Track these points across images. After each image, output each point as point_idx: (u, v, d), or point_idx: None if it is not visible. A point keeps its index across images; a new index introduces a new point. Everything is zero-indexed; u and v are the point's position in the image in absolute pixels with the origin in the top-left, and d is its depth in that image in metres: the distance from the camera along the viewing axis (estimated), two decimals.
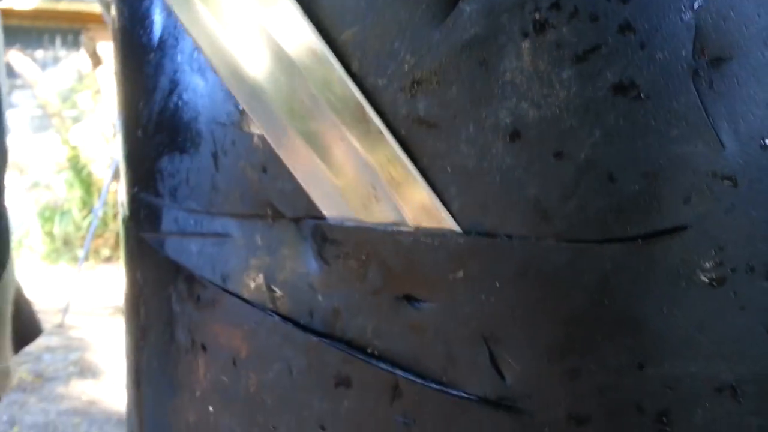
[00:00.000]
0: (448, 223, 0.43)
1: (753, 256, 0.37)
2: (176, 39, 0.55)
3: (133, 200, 0.62)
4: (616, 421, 0.42)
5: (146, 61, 0.59)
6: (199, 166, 0.54)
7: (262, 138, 0.49)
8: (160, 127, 0.59)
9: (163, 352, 0.59)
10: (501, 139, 0.42)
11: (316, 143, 0.47)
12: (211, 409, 0.53)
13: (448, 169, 0.43)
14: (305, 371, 0.48)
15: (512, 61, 0.40)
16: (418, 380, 0.45)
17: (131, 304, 0.65)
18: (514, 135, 0.41)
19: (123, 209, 0.66)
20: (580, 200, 0.40)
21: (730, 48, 0.35)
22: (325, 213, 0.47)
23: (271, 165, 0.49)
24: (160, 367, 0.60)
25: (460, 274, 0.44)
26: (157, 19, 0.57)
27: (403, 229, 0.45)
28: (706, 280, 0.38)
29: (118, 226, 5.74)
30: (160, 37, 0.57)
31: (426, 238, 0.44)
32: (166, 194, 0.57)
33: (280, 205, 0.48)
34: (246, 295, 0.51)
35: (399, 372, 0.46)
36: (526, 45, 0.40)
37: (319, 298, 0.49)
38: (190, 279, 0.56)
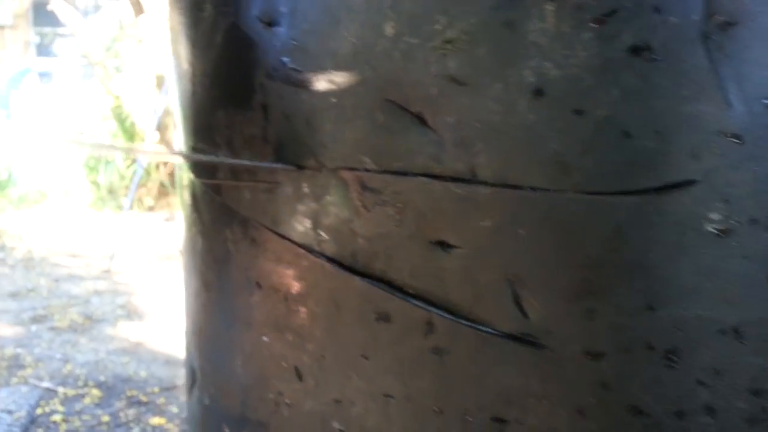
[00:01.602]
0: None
1: (757, 209, 0.42)
2: None
3: (192, 151, 0.70)
4: (628, 358, 0.49)
5: (201, 18, 0.65)
6: (252, 118, 0.60)
7: (306, 92, 0.55)
8: (215, 81, 0.66)
9: (220, 288, 0.68)
10: (525, 96, 0.46)
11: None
12: (265, 339, 0.62)
13: (477, 124, 0.49)
14: (349, 307, 0.56)
15: (536, 22, 0.45)
16: (450, 317, 0.52)
17: (190, 245, 0.74)
18: (538, 93, 0.46)
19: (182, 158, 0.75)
20: (597, 155, 0.45)
21: (739, 13, 0.39)
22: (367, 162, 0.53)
23: (314, 118, 0.55)
24: (218, 301, 0.69)
25: (487, 222, 0.50)
26: None
27: (436, 179, 0.51)
28: (713, 231, 0.43)
29: (160, 176, 6.00)
30: None
31: (456, 189, 0.50)
32: (223, 144, 0.65)
33: (321, 155, 0.55)
34: (295, 238, 0.59)
35: (433, 309, 0.53)
36: (549, 8, 0.44)
37: (360, 241, 0.56)
38: (245, 222, 0.64)
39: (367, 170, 0.56)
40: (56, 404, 2.64)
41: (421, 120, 0.53)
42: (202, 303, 0.76)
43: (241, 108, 0.64)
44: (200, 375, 0.77)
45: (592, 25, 0.44)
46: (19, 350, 3.16)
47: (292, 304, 0.61)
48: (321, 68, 0.56)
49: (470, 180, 0.52)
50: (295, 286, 0.61)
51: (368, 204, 0.56)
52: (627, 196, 0.45)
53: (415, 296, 0.55)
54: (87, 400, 2.69)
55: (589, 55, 0.44)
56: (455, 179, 0.52)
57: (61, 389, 2.77)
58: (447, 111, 0.51)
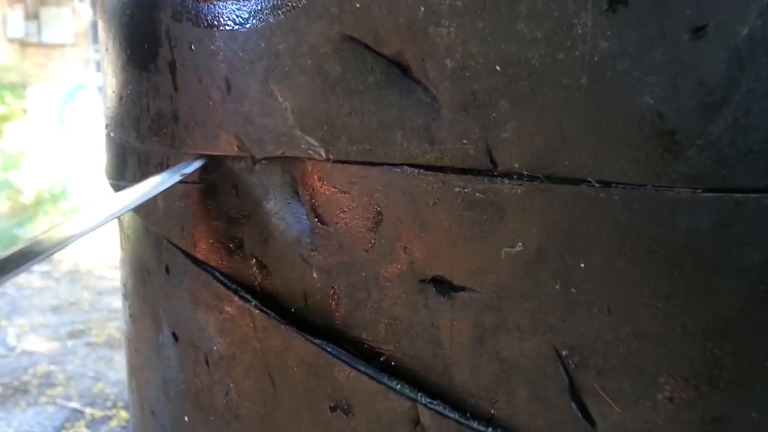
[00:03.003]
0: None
1: None
2: None
3: (106, 143, 0.49)
4: None
5: None
6: (157, 83, 0.39)
7: (223, 36, 0.33)
8: (121, 43, 0.44)
9: (142, 336, 0.47)
10: (598, 9, 0.23)
11: None
12: (186, 418, 0.40)
13: (498, 69, 0.26)
14: (290, 384, 0.33)
15: None
16: (451, 414, 0.29)
17: (121, 275, 0.53)
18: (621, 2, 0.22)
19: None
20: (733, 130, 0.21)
21: None
22: (320, 148, 0.31)
23: (235, 78, 0.33)
24: (140, 354, 0.48)
25: (517, 245, 0.27)
26: None
27: (434, 168, 0.28)
28: None
29: None
30: None
31: (462, 187, 0.27)
32: (131, 129, 0.43)
33: (249, 139, 0.33)
34: (221, 268, 0.37)
35: (422, 398, 0.30)
36: None
37: (314, 276, 0.33)
38: (158, 243, 0.42)
39: (318, 159, 0.33)
40: (81, 426, 2.50)
41: (401, 67, 0.30)
42: (130, 354, 0.54)
43: (146, 72, 0.42)
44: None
45: None
46: (52, 367, 3.05)
47: (215, 371, 0.39)
48: None
49: (486, 171, 0.28)
50: (219, 344, 0.39)
51: (325, 213, 0.34)
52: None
53: (393, 372, 0.32)
54: (114, 423, 2.54)
55: None
56: (460, 170, 0.29)
57: (88, 410, 2.63)
58: (444, 48, 0.28)
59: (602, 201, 0.27)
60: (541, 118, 0.27)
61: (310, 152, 0.33)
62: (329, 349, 0.33)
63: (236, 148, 0.35)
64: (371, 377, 0.32)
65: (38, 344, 3.32)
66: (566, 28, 0.26)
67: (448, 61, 0.28)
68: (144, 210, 0.44)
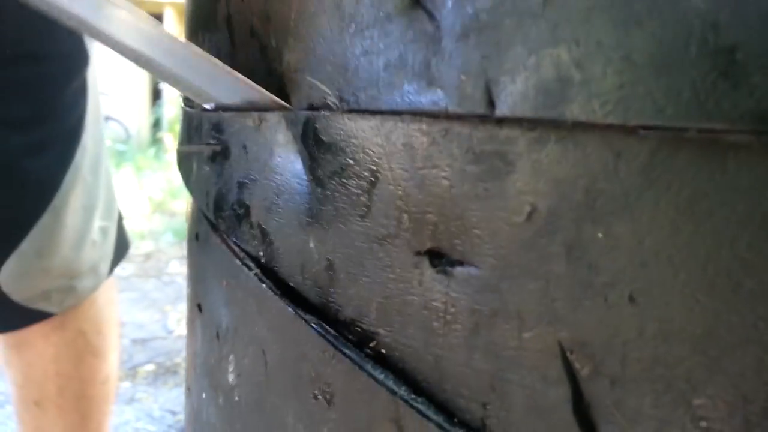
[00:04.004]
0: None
1: None
2: None
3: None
4: None
5: None
6: (217, 42, 0.37)
7: None
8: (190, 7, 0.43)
9: (188, 309, 0.45)
10: None
11: None
12: (203, 395, 0.37)
13: None
14: (282, 366, 0.29)
15: None
16: (435, 417, 0.23)
17: None
18: None
19: None
20: None
21: None
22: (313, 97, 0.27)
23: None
24: (194, 323, 0.46)
25: (527, 208, 0.21)
26: None
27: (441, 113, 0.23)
28: None
29: None
30: None
31: (469, 136, 0.22)
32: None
33: (283, 90, 0.30)
34: (232, 236, 0.34)
35: (405, 394, 0.24)
36: None
37: (311, 245, 0.29)
38: (196, 212, 0.40)
39: (318, 108, 0.29)
40: None
41: None
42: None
43: (208, 30, 0.40)
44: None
45: None
46: None
47: (223, 346, 0.36)
48: None
49: (485, 115, 0.22)
50: (226, 317, 0.35)
51: (322, 174, 0.29)
52: None
53: (378, 361, 0.27)
54: None
55: None
56: (461, 116, 0.23)
57: None
58: None
59: (630, 150, 0.20)
60: (553, 38, 0.20)
61: (325, 99, 0.29)
62: (315, 326, 0.28)
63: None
64: (355, 363, 0.27)
65: None
66: None
67: None
68: (184, 173, 0.43)
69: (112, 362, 0.95)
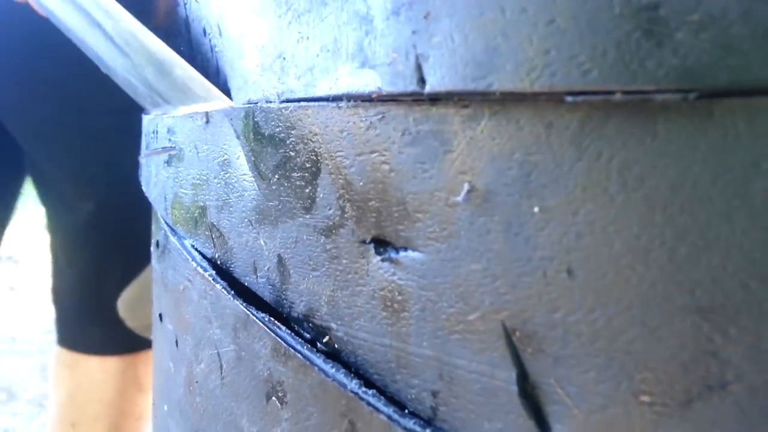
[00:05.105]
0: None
1: None
2: None
3: None
4: None
5: None
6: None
7: None
8: None
9: (153, 321, 0.44)
10: None
11: None
12: (165, 407, 0.36)
13: None
14: (236, 367, 0.29)
15: None
16: (384, 408, 0.22)
17: None
18: None
19: None
20: None
21: None
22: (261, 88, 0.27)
23: (224, 22, 0.30)
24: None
25: (465, 187, 0.20)
26: None
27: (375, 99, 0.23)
28: None
29: None
30: None
31: (408, 113, 0.21)
32: None
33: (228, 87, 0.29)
34: (188, 239, 0.33)
35: (355, 387, 0.23)
36: None
37: (261, 242, 0.28)
38: (156, 220, 0.39)
39: (256, 101, 0.28)
40: None
41: None
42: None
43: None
44: None
45: None
46: None
47: (180, 354, 0.35)
48: None
49: (417, 92, 0.22)
50: (183, 323, 0.34)
51: (266, 168, 0.28)
52: None
53: (329, 356, 0.26)
54: None
55: None
56: (395, 97, 0.23)
57: None
58: None
59: (560, 121, 0.19)
60: (480, 8, 0.20)
61: (263, 92, 0.28)
62: (268, 325, 0.27)
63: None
64: (305, 358, 0.26)
65: None
66: None
67: None
68: (144, 180, 0.42)
69: (149, 401, 0.94)
